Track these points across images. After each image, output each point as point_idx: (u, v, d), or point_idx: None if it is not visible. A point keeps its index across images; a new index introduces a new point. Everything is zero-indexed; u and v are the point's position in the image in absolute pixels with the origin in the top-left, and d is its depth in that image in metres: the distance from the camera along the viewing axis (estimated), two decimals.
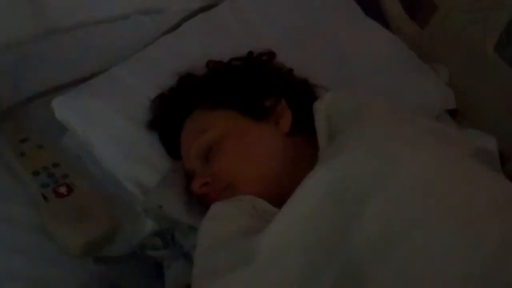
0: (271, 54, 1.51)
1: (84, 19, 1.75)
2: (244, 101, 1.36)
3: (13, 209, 1.37)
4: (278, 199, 1.16)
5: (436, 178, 1.11)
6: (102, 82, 1.52)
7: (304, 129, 1.33)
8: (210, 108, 1.37)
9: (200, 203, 1.31)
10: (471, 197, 1.10)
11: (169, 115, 1.44)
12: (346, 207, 1.09)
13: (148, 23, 1.76)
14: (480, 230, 1.05)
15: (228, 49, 1.54)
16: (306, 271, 1.07)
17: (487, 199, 1.11)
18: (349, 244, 1.05)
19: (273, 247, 1.08)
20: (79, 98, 1.47)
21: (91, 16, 1.76)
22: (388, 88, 1.60)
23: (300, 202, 1.11)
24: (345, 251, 1.05)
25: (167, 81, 1.50)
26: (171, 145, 1.43)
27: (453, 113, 1.71)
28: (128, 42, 1.67)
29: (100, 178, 1.44)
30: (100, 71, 1.55)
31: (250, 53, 1.51)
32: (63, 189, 1.36)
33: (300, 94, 1.42)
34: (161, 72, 1.52)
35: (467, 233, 1.04)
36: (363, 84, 1.60)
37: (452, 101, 1.69)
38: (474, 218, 1.06)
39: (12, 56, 1.64)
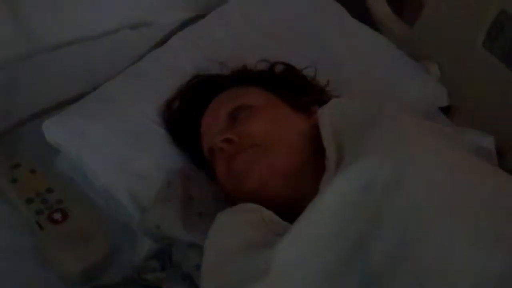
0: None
1: (71, 36, 1.71)
2: (286, 89, 1.39)
3: (9, 236, 1.35)
4: (290, 202, 1.17)
5: (449, 178, 1.12)
6: (92, 101, 1.51)
7: None
8: (246, 85, 1.40)
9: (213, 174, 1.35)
10: (483, 194, 1.11)
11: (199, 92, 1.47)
12: (363, 217, 1.08)
13: (137, 37, 1.74)
14: (498, 229, 1.05)
15: (219, 59, 1.55)
16: (324, 285, 1.06)
17: (493, 193, 1.12)
18: (368, 252, 1.05)
19: (288, 260, 1.06)
20: (70, 118, 1.45)
21: (78, 33, 1.72)
22: (380, 88, 1.60)
23: (316, 214, 1.10)
24: (364, 262, 1.05)
25: (159, 95, 1.50)
26: (187, 128, 1.43)
27: (446, 110, 1.70)
28: (117, 58, 1.66)
29: (95, 200, 1.43)
30: (91, 89, 1.54)
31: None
32: (58, 216, 1.34)
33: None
34: (152, 87, 1.52)
35: (485, 232, 1.05)
36: (356, 85, 1.60)
37: (445, 98, 1.69)
38: (491, 218, 1.07)
39: None
